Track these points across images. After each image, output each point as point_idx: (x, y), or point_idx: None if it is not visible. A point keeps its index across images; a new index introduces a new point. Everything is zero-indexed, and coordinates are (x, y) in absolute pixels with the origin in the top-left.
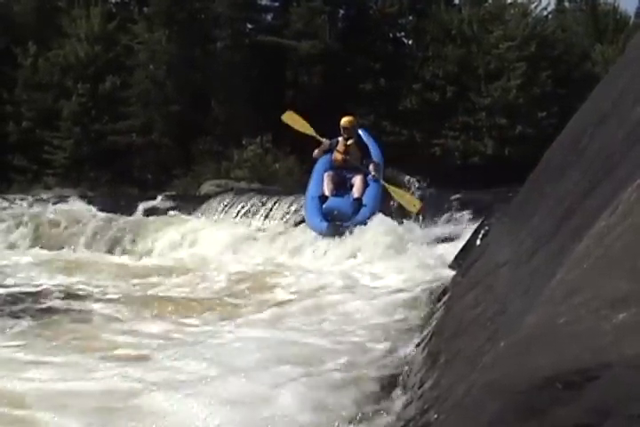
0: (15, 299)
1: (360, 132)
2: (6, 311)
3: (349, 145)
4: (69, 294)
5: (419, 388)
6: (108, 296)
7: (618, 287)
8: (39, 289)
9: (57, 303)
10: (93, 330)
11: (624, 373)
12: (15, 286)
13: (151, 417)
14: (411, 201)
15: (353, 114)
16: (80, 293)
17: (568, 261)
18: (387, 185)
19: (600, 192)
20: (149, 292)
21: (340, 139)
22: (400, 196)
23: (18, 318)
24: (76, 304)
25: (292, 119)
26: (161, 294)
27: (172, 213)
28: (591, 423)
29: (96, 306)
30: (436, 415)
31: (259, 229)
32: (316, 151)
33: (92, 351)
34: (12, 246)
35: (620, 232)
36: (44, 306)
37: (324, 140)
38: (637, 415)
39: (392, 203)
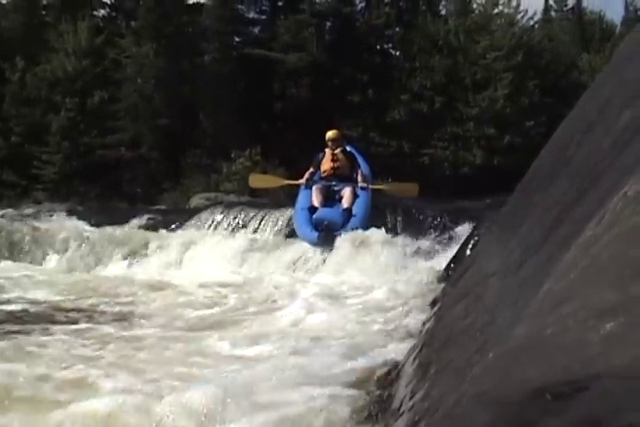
0: None
1: (347, 147)
2: None
3: (336, 153)
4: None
5: (410, 399)
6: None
7: (605, 297)
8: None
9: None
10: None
11: (613, 383)
12: None
13: None
14: (407, 188)
15: (338, 128)
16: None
17: (555, 271)
18: (377, 187)
19: (587, 201)
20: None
21: (327, 150)
22: (395, 188)
23: None
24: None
25: (259, 181)
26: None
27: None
28: None
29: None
30: None
31: (249, 242)
32: (305, 178)
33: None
34: None
35: (607, 242)
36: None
37: (300, 180)
38: (627, 426)
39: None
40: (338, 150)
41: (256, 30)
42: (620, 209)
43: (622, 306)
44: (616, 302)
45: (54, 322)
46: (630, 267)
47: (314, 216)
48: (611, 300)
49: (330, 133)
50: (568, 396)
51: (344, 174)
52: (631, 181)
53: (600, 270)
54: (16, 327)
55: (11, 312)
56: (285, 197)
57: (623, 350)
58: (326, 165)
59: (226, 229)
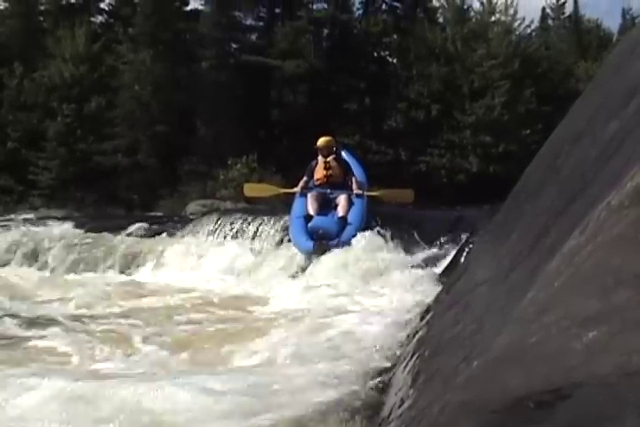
0: None
1: (343, 152)
2: None
3: (329, 161)
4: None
5: (399, 407)
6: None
7: (588, 306)
8: None
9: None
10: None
11: (594, 392)
12: None
13: None
14: (403, 194)
15: (332, 134)
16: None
17: (540, 279)
18: (372, 193)
19: (574, 210)
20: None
21: (319, 157)
22: (390, 194)
23: None
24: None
25: (253, 190)
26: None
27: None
28: None
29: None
30: None
31: (246, 250)
32: (299, 186)
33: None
34: None
35: (590, 251)
36: None
37: (294, 189)
38: None
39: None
40: (330, 158)
41: (253, 37)
42: (603, 218)
43: (605, 314)
44: (599, 310)
45: None
46: (613, 276)
47: (309, 225)
48: (593, 308)
49: (320, 141)
50: (550, 404)
51: (338, 182)
52: (614, 192)
53: (583, 279)
54: None
55: None
56: (280, 204)
57: (605, 358)
58: (319, 173)
59: (224, 236)
